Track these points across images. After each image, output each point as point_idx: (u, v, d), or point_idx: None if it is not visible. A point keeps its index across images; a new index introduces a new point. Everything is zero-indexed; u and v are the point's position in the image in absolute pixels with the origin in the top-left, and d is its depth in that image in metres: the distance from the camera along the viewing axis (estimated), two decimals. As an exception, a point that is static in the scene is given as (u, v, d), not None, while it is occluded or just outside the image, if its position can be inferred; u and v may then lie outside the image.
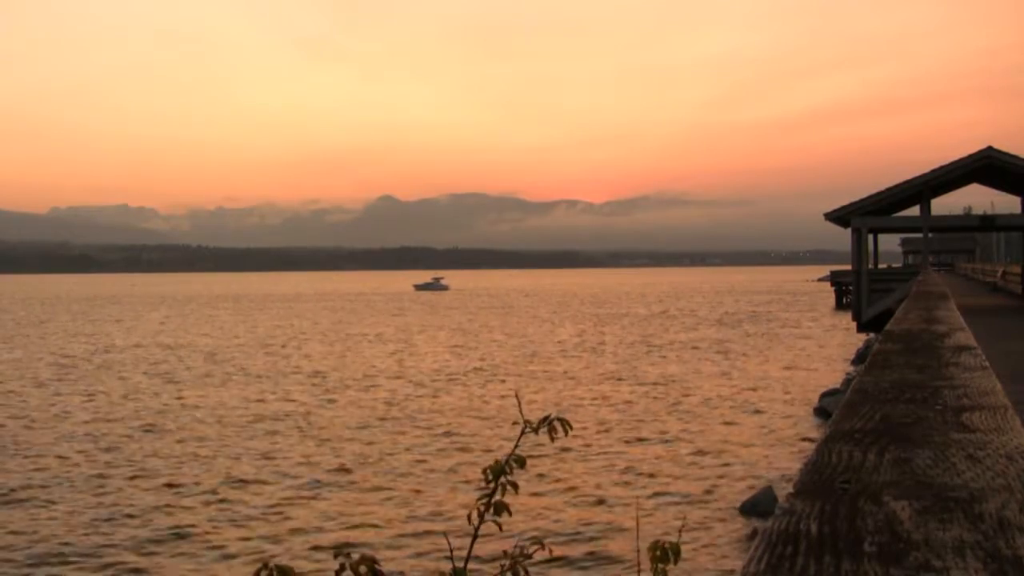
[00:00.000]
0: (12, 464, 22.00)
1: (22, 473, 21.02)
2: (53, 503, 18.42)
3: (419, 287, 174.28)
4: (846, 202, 39.27)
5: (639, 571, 3.70)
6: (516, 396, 3.09)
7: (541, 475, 19.53)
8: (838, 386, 30.59)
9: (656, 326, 70.41)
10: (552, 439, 3.40)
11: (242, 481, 20.14)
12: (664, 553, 3.30)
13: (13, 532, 16.56)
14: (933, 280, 24.66)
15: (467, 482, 19.26)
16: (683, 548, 3.43)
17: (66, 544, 15.79)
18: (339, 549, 2.89)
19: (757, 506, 16.82)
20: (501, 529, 3.20)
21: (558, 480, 19.68)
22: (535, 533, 14.45)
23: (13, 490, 19.44)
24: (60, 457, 22.69)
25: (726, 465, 21.14)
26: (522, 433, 3.34)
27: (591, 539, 15.70)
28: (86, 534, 16.35)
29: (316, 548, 15.25)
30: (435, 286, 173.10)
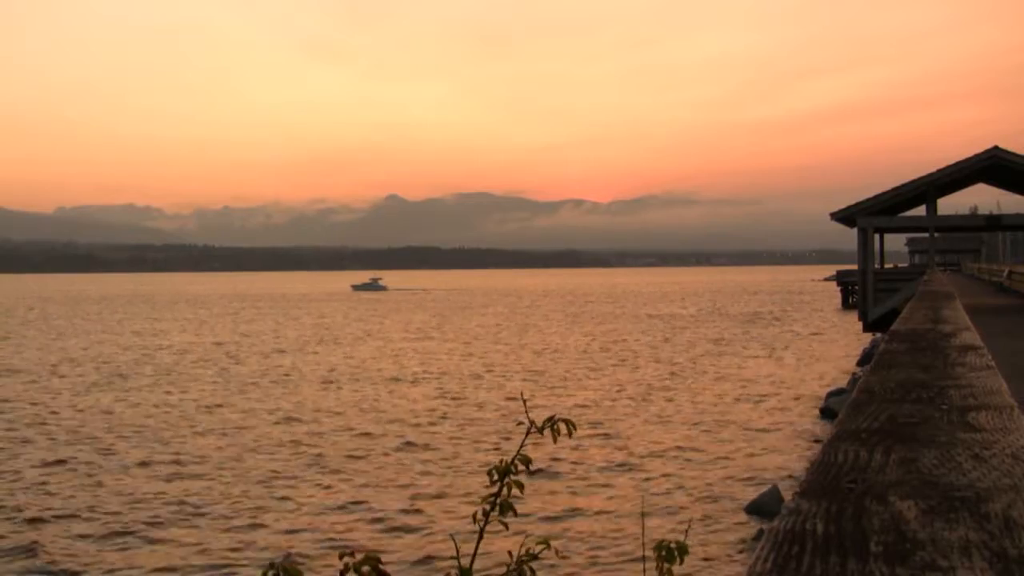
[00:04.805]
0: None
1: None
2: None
3: (357, 287, 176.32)
4: (852, 202, 39.23)
5: (644, 571, 3.70)
6: (521, 396, 3.09)
7: (545, 474, 19.52)
8: (844, 386, 30.55)
9: (662, 325, 70.34)
10: (555, 440, 3.40)
11: (238, 479, 20.17)
12: (670, 552, 3.30)
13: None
14: (939, 280, 24.64)
15: (475, 473, 19.24)
16: (688, 548, 3.43)
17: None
18: (343, 549, 2.90)
19: (763, 506, 16.80)
20: (508, 528, 3.20)
21: (562, 479, 19.66)
22: (541, 533, 14.44)
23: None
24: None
25: (732, 464, 21.12)
26: (527, 433, 3.34)
27: (595, 538, 15.69)
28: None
29: (319, 546, 15.25)
30: (373, 286, 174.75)
